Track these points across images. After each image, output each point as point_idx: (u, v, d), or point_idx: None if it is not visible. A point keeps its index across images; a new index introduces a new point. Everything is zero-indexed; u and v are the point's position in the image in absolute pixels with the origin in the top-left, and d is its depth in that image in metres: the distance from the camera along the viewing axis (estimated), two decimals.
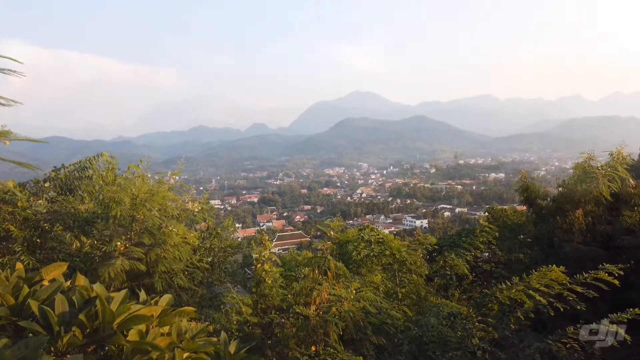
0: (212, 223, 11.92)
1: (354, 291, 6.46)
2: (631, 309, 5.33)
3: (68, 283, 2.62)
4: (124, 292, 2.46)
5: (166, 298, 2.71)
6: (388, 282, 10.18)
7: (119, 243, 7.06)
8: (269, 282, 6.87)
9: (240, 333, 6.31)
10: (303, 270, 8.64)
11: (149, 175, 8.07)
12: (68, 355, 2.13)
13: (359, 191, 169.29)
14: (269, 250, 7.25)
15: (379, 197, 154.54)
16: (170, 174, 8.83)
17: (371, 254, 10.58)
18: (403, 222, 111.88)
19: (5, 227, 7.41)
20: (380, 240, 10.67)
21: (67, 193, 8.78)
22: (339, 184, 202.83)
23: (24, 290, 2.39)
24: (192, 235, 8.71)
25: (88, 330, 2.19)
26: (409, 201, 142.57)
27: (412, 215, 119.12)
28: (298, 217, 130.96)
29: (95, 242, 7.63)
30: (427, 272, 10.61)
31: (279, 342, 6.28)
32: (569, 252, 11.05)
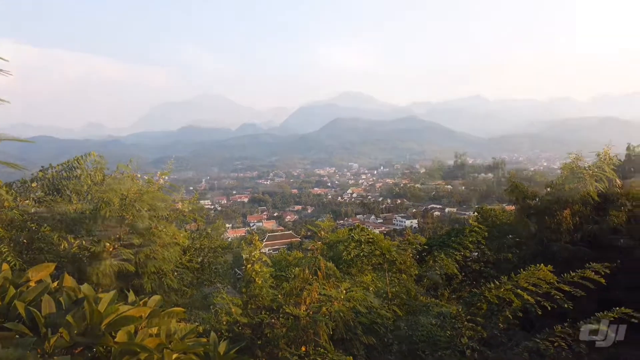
0: (202, 223, 11.87)
1: (344, 291, 6.47)
2: (617, 308, 5.41)
3: (55, 284, 2.60)
4: (112, 293, 2.45)
5: (155, 299, 2.69)
6: (378, 282, 10.20)
7: (107, 244, 7.01)
8: (259, 282, 6.85)
9: (230, 334, 6.28)
10: (293, 271, 8.64)
11: (139, 176, 8.03)
12: (55, 357, 2.11)
13: (349, 191, 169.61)
14: (259, 250, 7.23)
15: (370, 197, 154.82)
16: (160, 173, 8.79)
17: (361, 254, 10.60)
18: (393, 222, 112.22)
19: None
20: (370, 240, 10.68)
21: (55, 193, 8.70)
22: (329, 184, 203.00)
23: (10, 291, 2.37)
24: (181, 235, 8.68)
25: (76, 332, 2.18)
26: (399, 201, 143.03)
27: (402, 215, 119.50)
28: (289, 217, 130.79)
29: (84, 242, 7.56)
30: (416, 272, 10.66)
31: (269, 342, 6.27)
32: (556, 252, 11.17)
